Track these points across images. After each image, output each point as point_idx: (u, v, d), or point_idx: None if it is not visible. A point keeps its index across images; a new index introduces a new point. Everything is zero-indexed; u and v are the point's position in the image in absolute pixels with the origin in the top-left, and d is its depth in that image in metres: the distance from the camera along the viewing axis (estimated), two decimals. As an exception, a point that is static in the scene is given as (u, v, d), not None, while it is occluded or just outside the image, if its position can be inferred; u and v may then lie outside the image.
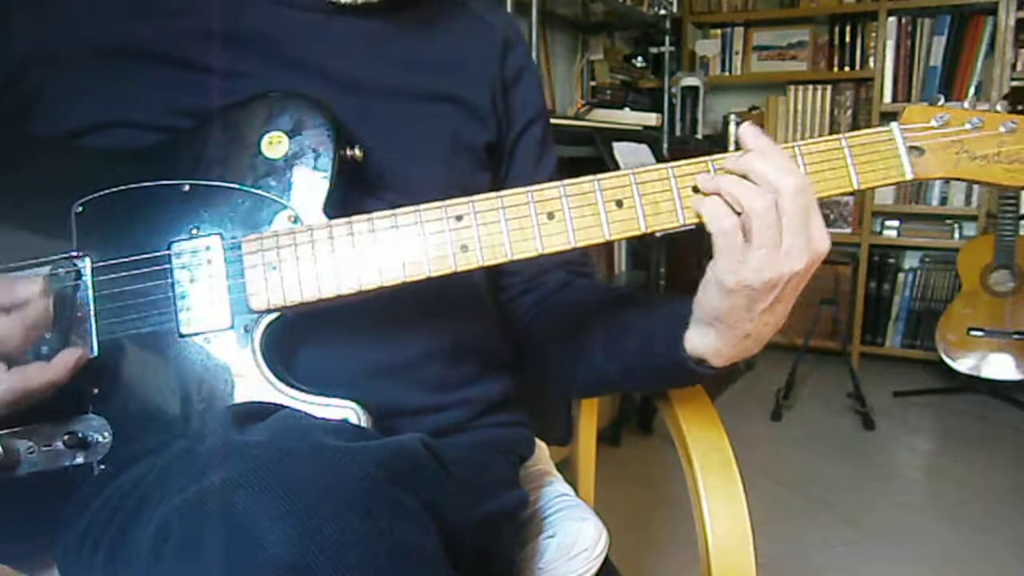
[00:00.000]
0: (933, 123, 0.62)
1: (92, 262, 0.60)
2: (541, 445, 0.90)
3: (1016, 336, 2.65)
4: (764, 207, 0.54)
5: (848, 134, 0.61)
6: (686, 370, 0.64)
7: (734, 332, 0.60)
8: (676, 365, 0.64)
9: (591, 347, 0.73)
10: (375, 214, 0.59)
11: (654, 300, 0.71)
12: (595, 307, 0.75)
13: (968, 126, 0.62)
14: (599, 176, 0.60)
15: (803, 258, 0.55)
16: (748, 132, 0.58)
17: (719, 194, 0.57)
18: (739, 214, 0.56)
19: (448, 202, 0.59)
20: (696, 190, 0.59)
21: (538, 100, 0.83)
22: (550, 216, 0.59)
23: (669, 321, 0.65)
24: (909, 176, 0.61)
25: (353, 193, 0.63)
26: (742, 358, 0.63)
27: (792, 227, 0.55)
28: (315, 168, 0.61)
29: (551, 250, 0.59)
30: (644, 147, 2.42)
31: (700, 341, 0.62)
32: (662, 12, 2.84)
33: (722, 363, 0.63)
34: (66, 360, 0.56)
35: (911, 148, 0.61)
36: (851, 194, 0.63)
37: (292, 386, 0.59)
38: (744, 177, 0.57)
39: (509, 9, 1.97)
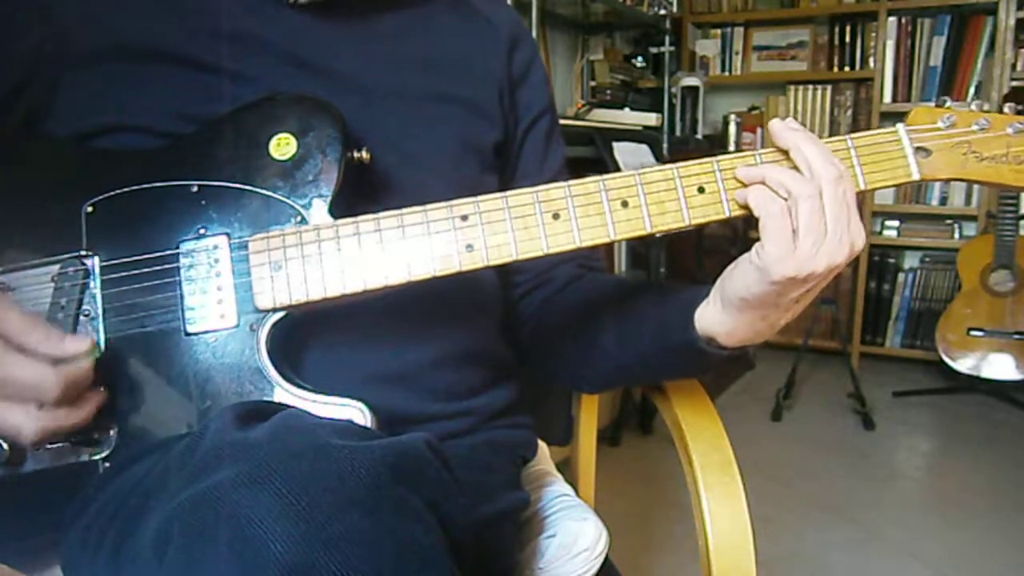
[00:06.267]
0: (940, 124, 0.62)
1: (101, 261, 0.60)
2: (541, 445, 0.90)
3: (1016, 336, 2.65)
4: (810, 192, 0.55)
5: (854, 135, 0.61)
6: (696, 350, 0.64)
7: (754, 314, 0.60)
8: (688, 346, 0.64)
9: (603, 339, 0.72)
10: (381, 214, 0.59)
11: (667, 288, 0.71)
12: (605, 299, 0.75)
13: (975, 127, 0.62)
14: (604, 176, 0.60)
15: (844, 250, 0.56)
16: (781, 124, 0.59)
17: (764, 182, 0.57)
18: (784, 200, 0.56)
19: (454, 202, 0.59)
20: (739, 184, 0.59)
21: (545, 95, 0.83)
22: (555, 216, 0.59)
23: (686, 305, 0.65)
24: (916, 176, 0.61)
25: (360, 195, 0.63)
26: (752, 342, 0.64)
27: (834, 215, 0.55)
28: (322, 170, 0.61)
29: (556, 250, 0.59)
30: (644, 147, 2.42)
31: (715, 318, 0.62)
32: (662, 12, 2.84)
33: (733, 344, 0.63)
34: (91, 406, 0.56)
35: (918, 149, 0.61)
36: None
37: (298, 385, 0.59)
38: (786, 156, 0.58)
39: (510, 9, 1.97)
